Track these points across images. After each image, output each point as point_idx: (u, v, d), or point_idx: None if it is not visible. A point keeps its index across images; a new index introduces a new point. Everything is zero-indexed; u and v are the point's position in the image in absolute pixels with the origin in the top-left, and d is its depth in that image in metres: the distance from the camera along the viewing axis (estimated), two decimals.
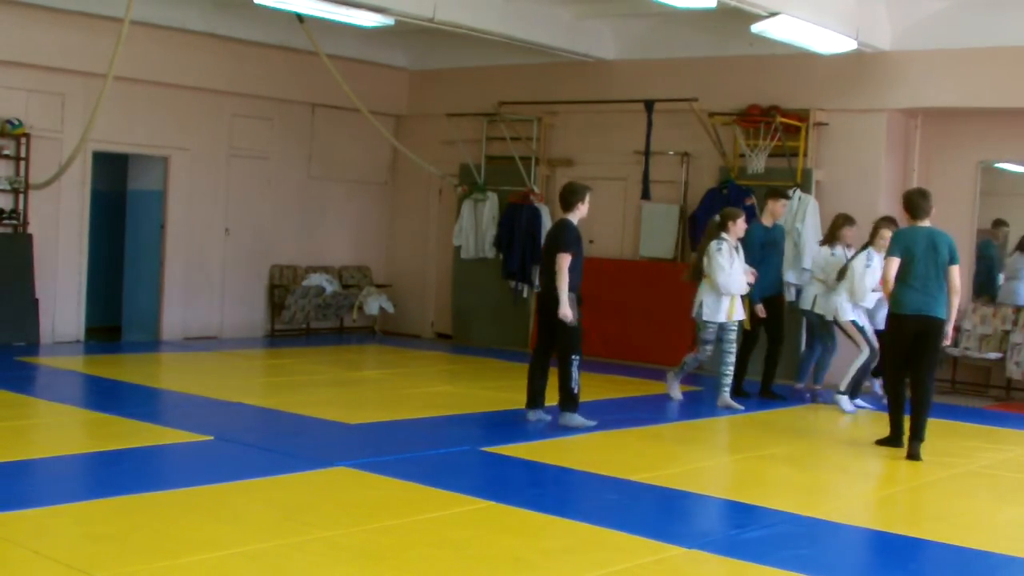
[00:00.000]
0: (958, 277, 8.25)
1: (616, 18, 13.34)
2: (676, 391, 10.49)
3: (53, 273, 12.52)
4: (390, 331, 15.44)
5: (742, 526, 6.27)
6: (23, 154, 12.10)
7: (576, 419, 8.62)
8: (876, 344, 10.01)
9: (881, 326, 9.60)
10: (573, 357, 8.57)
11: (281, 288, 14.55)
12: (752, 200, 12.48)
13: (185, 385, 10.40)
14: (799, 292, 12.26)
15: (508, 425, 9.00)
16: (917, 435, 8.13)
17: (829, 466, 8.08)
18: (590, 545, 5.62)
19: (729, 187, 12.58)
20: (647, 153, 12.98)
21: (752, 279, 10.12)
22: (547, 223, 14.06)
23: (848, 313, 10.14)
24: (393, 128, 15.42)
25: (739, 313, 10.04)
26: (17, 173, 12.10)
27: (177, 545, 5.21)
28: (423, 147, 14.80)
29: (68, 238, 12.67)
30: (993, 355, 11.83)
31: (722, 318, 9.94)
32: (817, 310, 10.79)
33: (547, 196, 14.26)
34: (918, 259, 8.14)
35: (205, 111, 13.70)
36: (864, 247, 10.24)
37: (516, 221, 14.05)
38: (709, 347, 10.04)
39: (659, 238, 13.36)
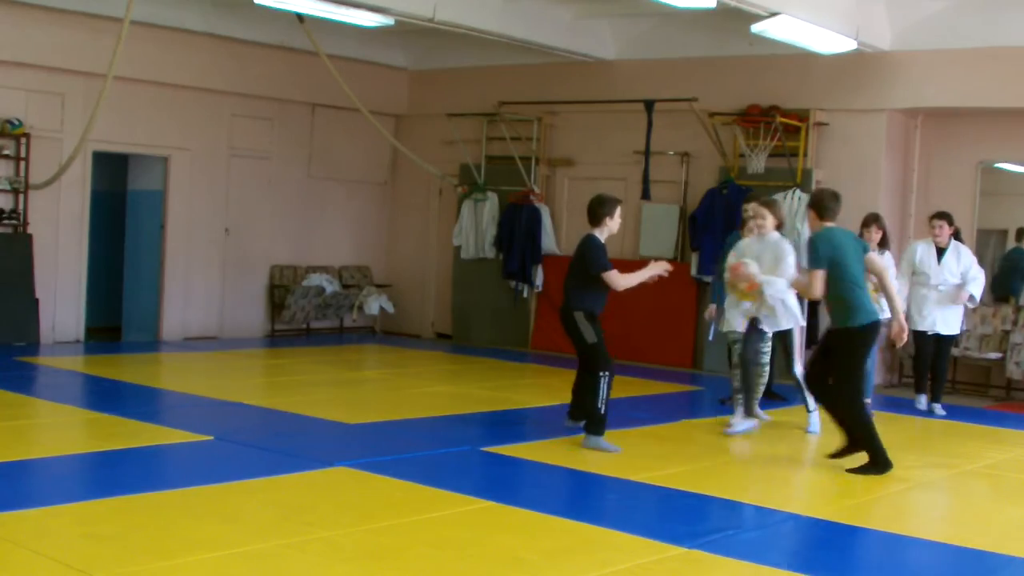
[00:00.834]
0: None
1: (616, 18, 13.34)
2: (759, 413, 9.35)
3: (53, 273, 12.52)
4: (390, 331, 15.44)
5: (742, 526, 6.26)
6: (23, 154, 12.10)
7: (600, 443, 7.92)
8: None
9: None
10: (601, 375, 7.88)
11: (281, 288, 14.55)
12: None
13: (185, 385, 10.40)
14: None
15: (508, 425, 9.00)
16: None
17: (829, 466, 8.06)
18: (590, 545, 5.62)
19: (729, 187, 12.58)
20: (647, 153, 12.98)
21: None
22: (547, 223, 14.08)
23: None
24: (393, 128, 15.42)
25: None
26: (17, 173, 12.10)
27: (177, 545, 5.20)
28: (423, 147, 14.80)
29: (68, 238, 12.67)
30: (993, 355, 11.84)
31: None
32: None
33: (547, 196, 14.27)
34: (854, 262, 7.59)
35: (205, 111, 13.70)
36: None
37: (516, 221, 14.05)
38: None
39: (659, 238, 13.36)
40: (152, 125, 13.20)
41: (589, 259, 7.99)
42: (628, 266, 12.76)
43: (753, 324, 8.69)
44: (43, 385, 10.17)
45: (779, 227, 8.61)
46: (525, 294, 14.26)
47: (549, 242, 14.10)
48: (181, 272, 13.64)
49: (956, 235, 10.42)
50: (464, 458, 7.64)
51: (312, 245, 15.03)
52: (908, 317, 10.15)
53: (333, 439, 8.09)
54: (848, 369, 7.59)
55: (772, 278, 8.25)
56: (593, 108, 13.83)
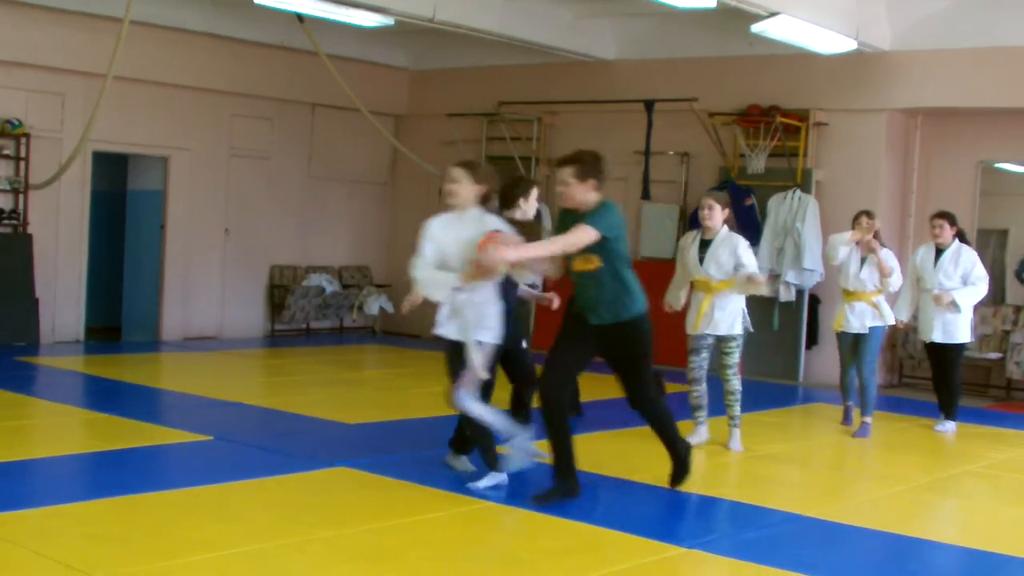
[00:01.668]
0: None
1: (616, 18, 13.34)
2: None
3: (53, 273, 12.52)
4: (390, 331, 15.44)
5: (742, 526, 6.26)
6: (23, 154, 12.10)
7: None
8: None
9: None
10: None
11: (281, 288, 14.55)
12: (752, 200, 12.50)
13: (185, 385, 10.40)
14: (799, 293, 12.28)
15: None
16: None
17: (829, 466, 8.08)
18: (590, 545, 5.62)
19: (729, 187, 12.58)
20: (647, 153, 12.99)
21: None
22: (547, 223, 14.07)
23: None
24: (393, 128, 15.42)
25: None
26: (17, 173, 12.10)
27: (177, 545, 5.20)
28: (423, 147, 14.79)
29: (68, 238, 12.66)
30: (993, 355, 11.84)
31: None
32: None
33: (547, 196, 14.26)
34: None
35: (205, 111, 13.70)
36: None
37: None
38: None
39: (659, 238, 13.36)
40: (152, 125, 13.20)
41: None
42: None
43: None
44: (43, 385, 10.17)
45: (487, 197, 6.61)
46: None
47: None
48: (181, 272, 13.64)
49: (961, 236, 9.53)
50: None
51: (312, 245, 15.03)
52: (916, 326, 10.04)
53: (333, 439, 8.09)
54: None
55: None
56: (593, 108, 13.83)
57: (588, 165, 6.28)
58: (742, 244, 7.99)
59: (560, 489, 6.34)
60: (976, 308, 9.73)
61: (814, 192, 12.26)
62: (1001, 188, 12.61)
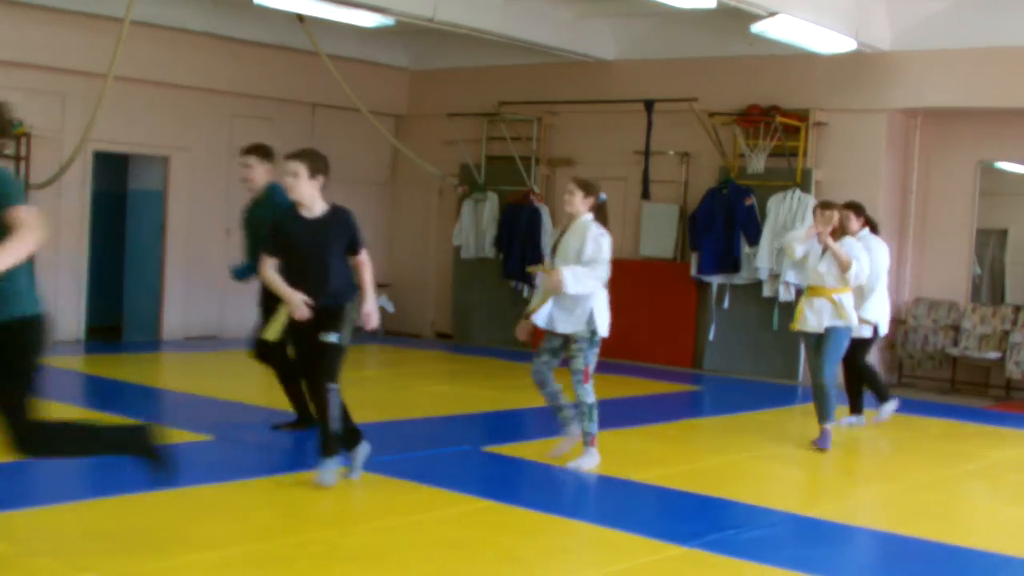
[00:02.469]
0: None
1: (616, 18, 13.34)
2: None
3: (53, 273, 12.50)
4: (390, 331, 15.43)
5: (742, 526, 6.26)
6: (23, 154, 12.10)
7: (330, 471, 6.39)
8: None
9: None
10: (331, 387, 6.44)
11: None
12: (752, 200, 12.51)
13: (185, 385, 10.40)
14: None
15: (508, 425, 9.01)
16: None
17: (829, 466, 8.08)
18: (590, 545, 5.62)
19: (729, 187, 12.59)
20: (647, 153, 12.99)
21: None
22: (547, 223, 14.08)
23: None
24: (393, 128, 15.42)
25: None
26: (17, 173, 12.10)
27: (177, 545, 5.21)
28: (423, 147, 14.80)
29: (68, 238, 12.66)
30: (993, 355, 11.84)
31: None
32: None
33: (547, 196, 14.26)
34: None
35: (205, 111, 13.70)
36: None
37: (516, 221, 14.05)
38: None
39: (659, 238, 13.37)
40: (152, 125, 13.20)
41: (360, 235, 6.93)
42: (628, 267, 12.65)
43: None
44: (43, 385, 10.14)
45: None
46: (525, 294, 14.24)
47: (549, 242, 14.09)
48: (181, 272, 13.64)
49: (871, 227, 9.19)
50: (464, 458, 7.65)
51: None
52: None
53: None
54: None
55: None
56: (593, 108, 13.83)
57: None
58: (592, 232, 7.16)
59: None
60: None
61: (814, 192, 12.26)
62: (1001, 188, 12.62)
